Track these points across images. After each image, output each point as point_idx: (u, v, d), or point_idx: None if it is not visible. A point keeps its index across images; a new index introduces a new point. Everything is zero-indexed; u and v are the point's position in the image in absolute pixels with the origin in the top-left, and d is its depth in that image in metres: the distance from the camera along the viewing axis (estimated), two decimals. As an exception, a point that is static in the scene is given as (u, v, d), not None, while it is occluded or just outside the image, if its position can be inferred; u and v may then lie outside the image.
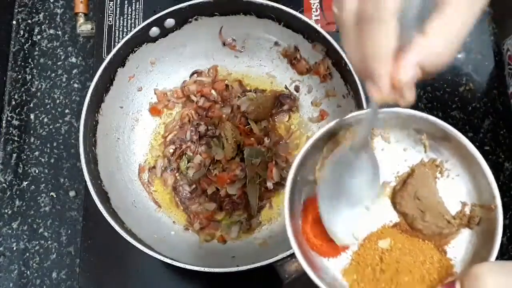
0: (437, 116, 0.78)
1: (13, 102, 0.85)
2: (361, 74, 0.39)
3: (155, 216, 0.73)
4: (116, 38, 0.81)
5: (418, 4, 0.36)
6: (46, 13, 0.89)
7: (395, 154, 0.48)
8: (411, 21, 0.36)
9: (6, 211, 0.80)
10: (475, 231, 0.45)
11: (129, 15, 0.82)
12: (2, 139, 0.83)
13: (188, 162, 0.74)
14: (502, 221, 0.42)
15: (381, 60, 0.36)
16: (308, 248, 0.47)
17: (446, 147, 0.46)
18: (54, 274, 0.77)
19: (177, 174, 0.74)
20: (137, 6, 0.83)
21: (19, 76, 0.86)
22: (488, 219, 0.44)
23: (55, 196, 0.80)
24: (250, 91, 0.77)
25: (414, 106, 0.41)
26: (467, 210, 0.46)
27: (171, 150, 0.75)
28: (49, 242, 0.78)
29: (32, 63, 0.87)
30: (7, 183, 0.81)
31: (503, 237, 0.73)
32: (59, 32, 0.88)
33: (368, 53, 0.37)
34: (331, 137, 0.47)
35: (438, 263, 0.45)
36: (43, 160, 0.82)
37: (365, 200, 0.47)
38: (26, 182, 0.81)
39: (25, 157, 0.82)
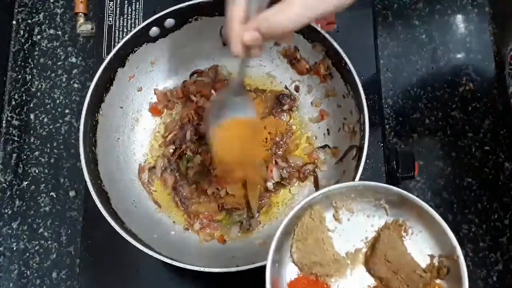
0: (436, 116, 0.79)
1: (13, 102, 0.85)
2: (225, 39, 0.56)
3: (155, 216, 0.73)
4: (116, 38, 0.81)
5: None
6: (46, 13, 0.90)
7: (361, 221, 0.52)
8: (255, 3, 0.51)
9: (6, 211, 0.80)
10: (446, 280, 0.49)
11: (129, 15, 0.82)
12: (2, 139, 0.83)
13: (188, 162, 0.74)
14: (466, 270, 0.46)
15: (231, 27, 0.52)
16: None
17: (404, 208, 0.50)
18: (54, 274, 0.77)
19: (177, 174, 0.74)
20: (137, 6, 0.83)
21: (19, 76, 0.86)
22: (455, 268, 0.47)
23: (55, 196, 0.80)
24: (250, 91, 0.77)
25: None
26: (436, 261, 0.49)
27: (171, 150, 0.75)
28: (49, 242, 0.78)
29: (32, 63, 0.87)
30: (7, 183, 0.81)
31: (503, 237, 0.74)
32: (59, 32, 0.88)
33: (226, 23, 0.53)
34: (297, 220, 0.51)
35: None
36: (43, 160, 0.82)
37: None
38: (26, 182, 0.81)
39: (25, 157, 0.82)
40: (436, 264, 0.49)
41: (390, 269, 0.49)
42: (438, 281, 0.49)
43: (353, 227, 0.52)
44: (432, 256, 0.49)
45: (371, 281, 0.50)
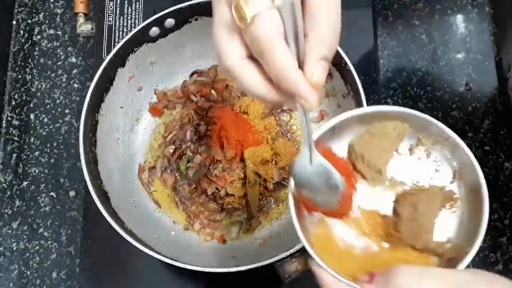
0: (436, 116, 0.79)
1: (13, 102, 0.85)
2: (279, 100, 0.42)
3: (155, 216, 0.73)
4: (116, 38, 0.81)
5: (293, 21, 0.38)
6: (46, 13, 0.89)
7: (427, 168, 0.50)
8: (294, 34, 0.38)
9: (6, 211, 0.80)
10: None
11: (129, 15, 0.82)
12: (2, 139, 0.83)
13: (188, 162, 0.74)
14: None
15: (292, 75, 0.39)
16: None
17: (464, 185, 0.48)
18: (54, 274, 0.77)
19: (177, 174, 0.74)
20: (137, 6, 0.83)
21: (19, 76, 0.86)
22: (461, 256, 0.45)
23: (55, 196, 0.80)
24: (250, 91, 0.77)
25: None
26: (447, 246, 0.47)
27: (171, 150, 0.75)
28: (49, 242, 0.78)
29: (32, 63, 0.87)
30: (7, 183, 0.81)
31: (503, 237, 0.73)
32: (59, 32, 0.88)
33: (279, 77, 0.39)
34: (384, 119, 0.48)
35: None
36: (43, 160, 0.82)
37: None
38: (26, 182, 0.81)
39: (25, 157, 0.82)
40: (444, 248, 0.47)
41: (411, 214, 0.47)
42: (433, 258, 0.47)
43: (417, 166, 0.49)
44: (449, 240, 0.47)
45: (389, 210, 0.49)
